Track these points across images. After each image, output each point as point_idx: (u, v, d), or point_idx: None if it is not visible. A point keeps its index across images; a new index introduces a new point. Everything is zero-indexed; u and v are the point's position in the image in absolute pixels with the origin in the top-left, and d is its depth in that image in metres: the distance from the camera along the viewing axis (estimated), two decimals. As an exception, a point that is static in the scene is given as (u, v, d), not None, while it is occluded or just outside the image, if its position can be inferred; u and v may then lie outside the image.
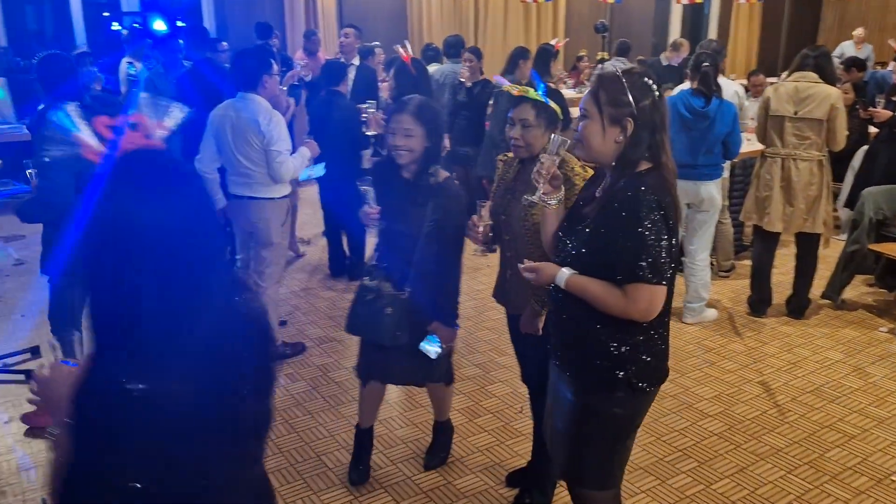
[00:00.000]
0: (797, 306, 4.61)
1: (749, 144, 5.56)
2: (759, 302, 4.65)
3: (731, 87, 5.02)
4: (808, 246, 4.50)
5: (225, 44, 6.72)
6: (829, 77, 4.25)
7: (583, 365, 2.05)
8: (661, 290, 1.87)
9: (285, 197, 3.79)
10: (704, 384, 3.79)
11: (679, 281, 4.73)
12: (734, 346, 4.24)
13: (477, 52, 6.09)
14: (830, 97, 4.16)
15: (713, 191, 4.26)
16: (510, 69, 5.99)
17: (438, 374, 2.96)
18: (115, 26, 9.24)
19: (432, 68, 6.87)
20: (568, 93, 7.95)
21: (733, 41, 14.00)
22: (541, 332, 2.50)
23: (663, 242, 1.83)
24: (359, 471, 3.01)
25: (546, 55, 5.71)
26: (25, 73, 8.35)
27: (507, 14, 11.94)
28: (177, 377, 1.07)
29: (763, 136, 4.46)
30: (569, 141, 2.08)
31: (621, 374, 1.98)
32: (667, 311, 1.98)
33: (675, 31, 13.66)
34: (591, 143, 1.94)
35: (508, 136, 2.47)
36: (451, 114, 6.21)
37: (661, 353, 2.05)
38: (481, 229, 2.46)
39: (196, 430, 1.09)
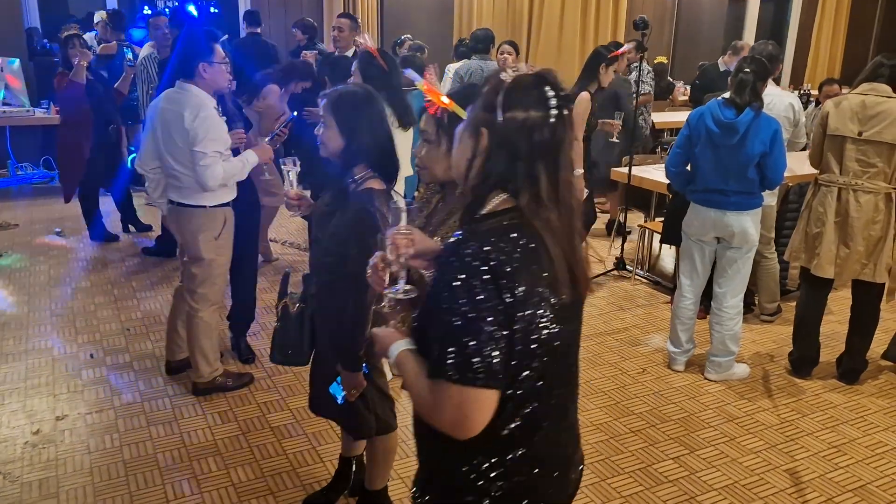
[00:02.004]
0: (850, 368, 3.79)
1: (808, 165, 4.72)
2: (803, 360, 3.84)
3: (785, 99, 4.21)
4: (866, 297, 3.67)
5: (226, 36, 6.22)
6: (906, 91, 3.42)
7: (423, 479, 1.46)
8: (480, 397, 1.21)
9: (224, 205, 3.25)
10: (717, 467, 3.04)
11: (703, 328, 3.97)
12: (763, 416, 3.46)
13: (515, 46, 5.43)
14: (906, 116, 3.34)
15: (747, 224, 3.49)
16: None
17: (357, 428, 2.48)
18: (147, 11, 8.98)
19: (456, 64, 6.28)
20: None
21: (815, 46, 12.82)
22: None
23: (487, 325, 1.18)
24: (316, 495, 2.75)
25: (597, 59, 4.73)
26: (50, 55, 8.18)
27: (563, 10, 11.18)
28: None
29: (818, 160, 3.65)
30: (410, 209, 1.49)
31: (469, 498, 1.34)
32: (534, 423, 1.32)
33: (750, 32, 12.58)
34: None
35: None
36: None
37: (534, 481, 1.35)
38: (383, 266, 1.64)
39: None
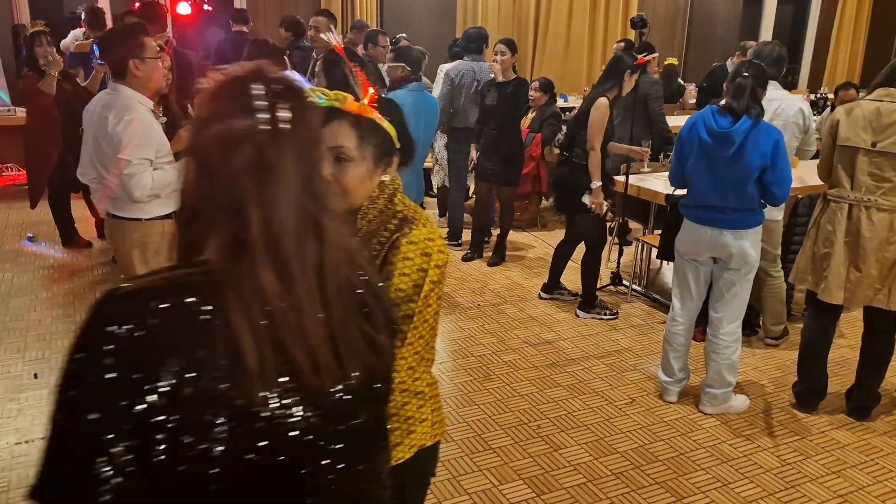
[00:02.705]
0: (861, 403, 3.43)
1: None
2: (808, 393, 3.49)
3: (794, 104, 3.85)
4: (880, 326, 3.31)
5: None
6: (926, 97, 3.07)
7: None
8: None
9: (165, 217, 2.96)
10: (705, 519, 2.71)
11: (700, 353, 3.64)
12: (762, 457, 3.11)
13: (511, 45, 5.10)
14: (926, 125, 2.98)
15: (746, 245, 3.14)
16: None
17: None
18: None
19: (448, 65, 5.96)
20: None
21: (834, 47, 12.37)
22: None
23: (102, 432, 0.81)
24: None
25: (622, 65, 4.23)
26: (37, 54, 7.95)
27: (571, 9, 10.82)
28: None
29: (827, 173, 3.30)
30: None
31: None
32: None
33: (767, 32, 12.15)
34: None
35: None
36: (480, 121, 5.31)
37: None
38: None
39: None
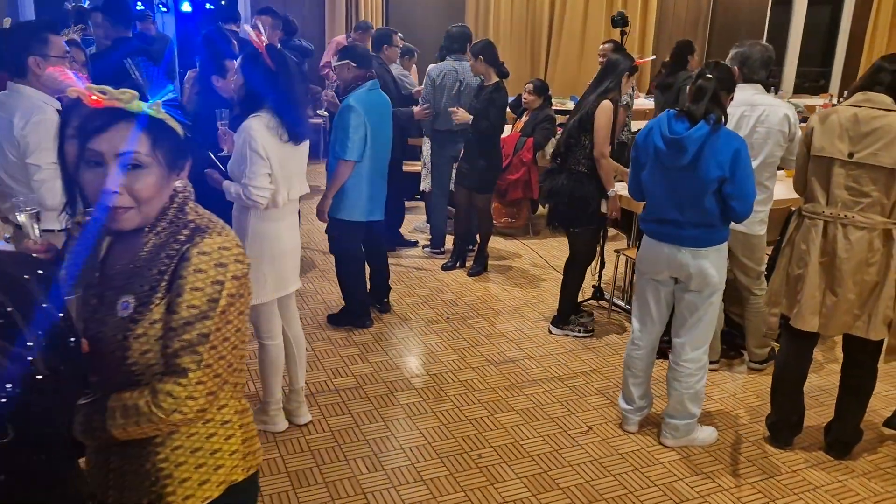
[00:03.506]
0: (840, 439, 3.11)
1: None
2: (782, 426, 3.17)
3: (779, 110, 3.52)
4: (859, 356, 2.98)
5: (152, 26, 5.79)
6: (911, 104, 2.75)
7: None
8: None
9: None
10: (642, 570, 2.44)
11: (659, 373, 3.36)
12: (720, 500, 2.82)
13: (477, 52, 4.85)
14: (909, 134, 2.67)
15: (705, 264, 2.85)
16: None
17: None
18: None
19: (432, 66, 5.73)
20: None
21: (868, 51, 11.81)
22: None
23: None
24: None
25: (622, 67, 4.02)
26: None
27: (587, 10, 10.50)
28: None
29: (802, 186, 2.99)
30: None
31: None
32: None
33: (796, 36, 11.68)
34: None
35: (108, 189, 1.29)
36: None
37: None
38: None
39: None
